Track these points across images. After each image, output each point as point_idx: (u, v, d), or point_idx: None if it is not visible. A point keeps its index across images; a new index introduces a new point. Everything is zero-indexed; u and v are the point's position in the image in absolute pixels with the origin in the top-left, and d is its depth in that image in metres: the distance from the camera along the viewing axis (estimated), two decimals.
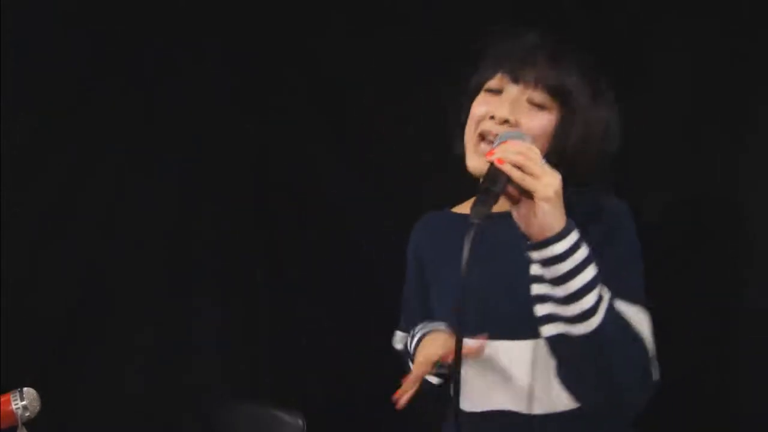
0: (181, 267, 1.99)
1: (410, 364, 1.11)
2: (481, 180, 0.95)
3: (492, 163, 0.93)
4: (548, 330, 0.99)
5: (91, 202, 1.83)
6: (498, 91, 1.09)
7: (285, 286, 2.04)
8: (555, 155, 1.06)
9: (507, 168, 0.91)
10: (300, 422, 1.66)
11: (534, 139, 1.03)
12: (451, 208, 1.24)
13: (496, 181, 0.92)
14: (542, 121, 1.07)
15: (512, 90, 1.07)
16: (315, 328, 1.90)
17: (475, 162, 1.07)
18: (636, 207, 1.57)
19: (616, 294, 0.99)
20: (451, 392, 1.07)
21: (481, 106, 1.09)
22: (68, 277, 1.81)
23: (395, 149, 1.74)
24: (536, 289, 0.99)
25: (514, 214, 0.95)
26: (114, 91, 1.84)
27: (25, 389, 1.14)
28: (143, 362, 1.93)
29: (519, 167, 0.91)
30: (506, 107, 1.05)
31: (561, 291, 0.94)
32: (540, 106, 1.07)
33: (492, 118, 1.06)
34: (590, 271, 0.94)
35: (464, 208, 1.21)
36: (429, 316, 1.16)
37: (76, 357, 1.83)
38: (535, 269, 0.98)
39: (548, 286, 0.96)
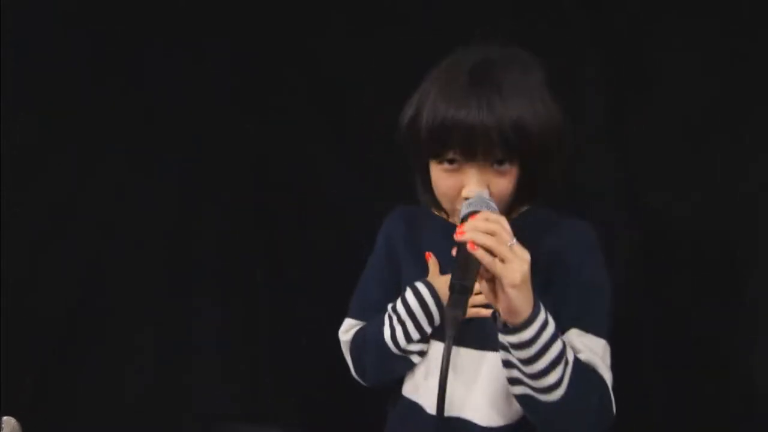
0: (181, 267, 1.98)
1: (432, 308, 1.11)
2: (453, 269, 0.91)
3: (463, 247, 0.90)
4: (516, 390, 0.99)
5: (91, 202, 1.83)
6: (455, 162, 1.02)
7: (285, 286, 2.04)
8: (520, 196, 1.06)
9: (479, 254, 0.88)
10: None
11: (498, 200, 1.01)
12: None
13: (468, 270, 0.90)
14: (509, 181, 1.02)
15: (472, 163, 1.00)
16: (315, 328, 1.90)
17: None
18: (635, 208, 1.58)
19: (582, 328, 1.02)
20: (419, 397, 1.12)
21: (445, 180, 1.03)
22: (68, 277, 1.81)
23: (395, 149, 1.74)
24: (504, 355, 0.97)
25: (482, 289, 0.93)
26: (114, 91, 1.83)
27: (4, 418, 1.11)
28: (143, 362, 1.93)
29: (489, 250, 0.89)
30: (477, 186, 1.00)
31: (527, 369, 0.94)
32: (509, 166, 1.01)
33: (466, 198, 1.00)
34: (555, 349, 0.93)
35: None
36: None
37: (76, 357, 1.82)
38: (501, 338, 0.95)
39: (513, 357, 0.95)
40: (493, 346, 1.00)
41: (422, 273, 1.15)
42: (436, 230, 1.17)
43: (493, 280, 0.91)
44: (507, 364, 0.97)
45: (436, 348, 1.14)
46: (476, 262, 0.89)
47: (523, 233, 0.93)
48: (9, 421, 1.11)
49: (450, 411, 1.09)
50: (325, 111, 1.93)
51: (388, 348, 1.14)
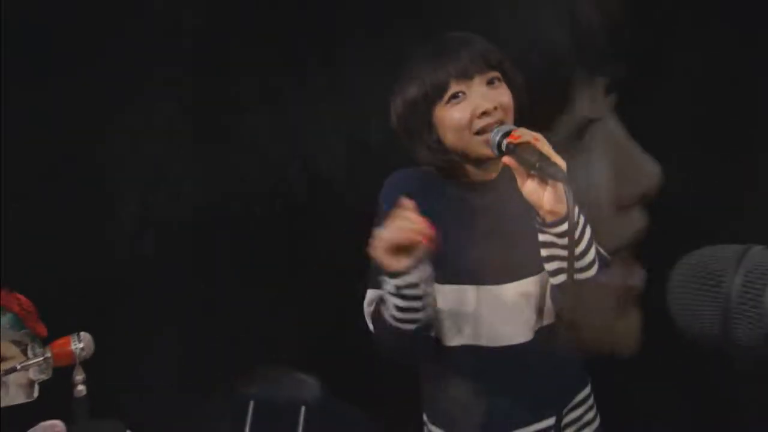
0: (180, 266, 1.98)
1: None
2: (525, 155, 1.08)
3: (528, 142, 1.07)
4: (557, 279, 1.17)
5: (94, 200, 1.83)
6: (460, 95, 1.17)
7: (285, 285, 2.03)
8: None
9: (540, 145, 1.07)
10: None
11: (507, 113, 1.17)
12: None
13: (531, 151, 1.07)
14: (508, 96, 1.19)
15: (473, 85, 1.16)
16: (314, 327, 1.89)
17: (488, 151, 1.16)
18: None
19: None
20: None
21: (456, 112, 1.17)
22: (78, 270, 1.81)
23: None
24: (545, 251, 1.15)
25: (524, 189, 1.10)
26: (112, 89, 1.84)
27: (81, 333, 1.31)
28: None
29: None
30: (486, 100, 1.16)
31: (576, 250, 1.10)
32: (499, 82, 1.18)
33: (483, 114, 1.16)
34: (589, 230, 1.14)
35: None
36: None
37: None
38: (543, 237, 1.13)
39: (557, 248, 1.12)
40: (526, 272, 1.22)
41: (451, 230, 1.21)
42: (450, 195, 1.25)
43: (544, 181, 1.08)
44: (549, 258, 1.15)
45: (453, 292, 1.24)
46: (538, 151, 1.06)
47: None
48: (86, 336, 1.31)
49: (502, 341, 1.25)
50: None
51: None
